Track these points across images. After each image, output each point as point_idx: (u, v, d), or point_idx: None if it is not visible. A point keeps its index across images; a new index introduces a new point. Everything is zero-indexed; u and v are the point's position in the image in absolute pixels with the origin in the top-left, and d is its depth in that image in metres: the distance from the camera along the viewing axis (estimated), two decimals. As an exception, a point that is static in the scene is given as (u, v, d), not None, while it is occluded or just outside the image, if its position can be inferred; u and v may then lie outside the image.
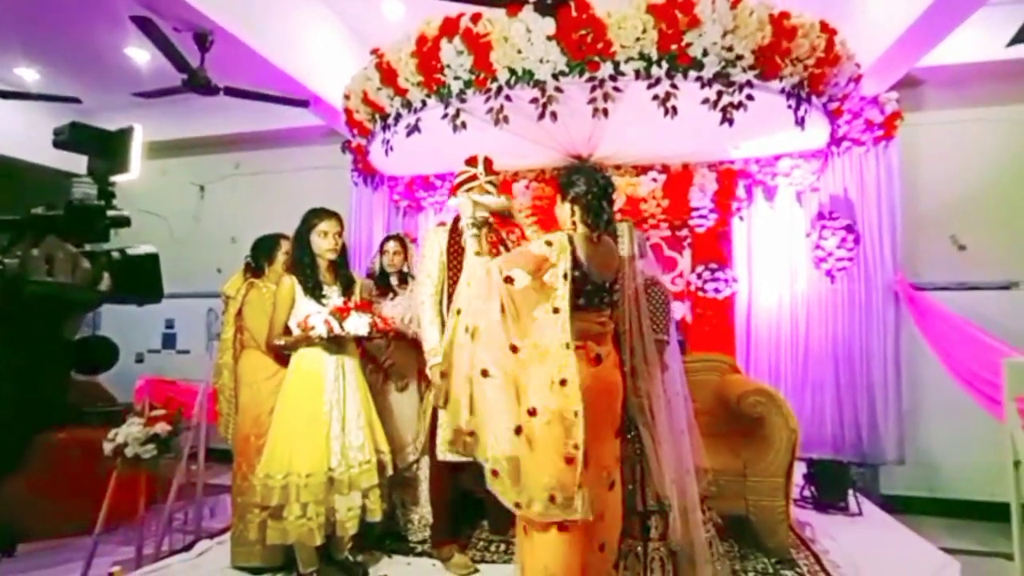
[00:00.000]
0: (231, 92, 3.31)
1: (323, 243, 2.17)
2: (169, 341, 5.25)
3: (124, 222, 0.98)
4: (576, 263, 1.61)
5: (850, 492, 3.06)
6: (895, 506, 3.29)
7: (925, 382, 3.56)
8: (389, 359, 2.53)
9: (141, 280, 0.93)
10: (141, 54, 3.81)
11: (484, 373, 1.56)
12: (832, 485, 3.08)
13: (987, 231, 3.63)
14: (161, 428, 2.55)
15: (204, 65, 3.18)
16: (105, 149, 1.04)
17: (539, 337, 1.55)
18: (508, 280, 1.58)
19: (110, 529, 2.75)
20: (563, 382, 1.51)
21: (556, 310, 1.54)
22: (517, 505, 1.52)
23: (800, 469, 2.99)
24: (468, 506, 2.53)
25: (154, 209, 5.03)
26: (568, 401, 1.50)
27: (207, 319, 4.99)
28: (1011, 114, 3.63)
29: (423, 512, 2.52)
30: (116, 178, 1.02)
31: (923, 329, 3.37)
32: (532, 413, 1.53)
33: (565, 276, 1.57)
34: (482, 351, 1.58)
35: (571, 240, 1.63)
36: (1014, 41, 2.50)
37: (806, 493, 3.13)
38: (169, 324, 5.25)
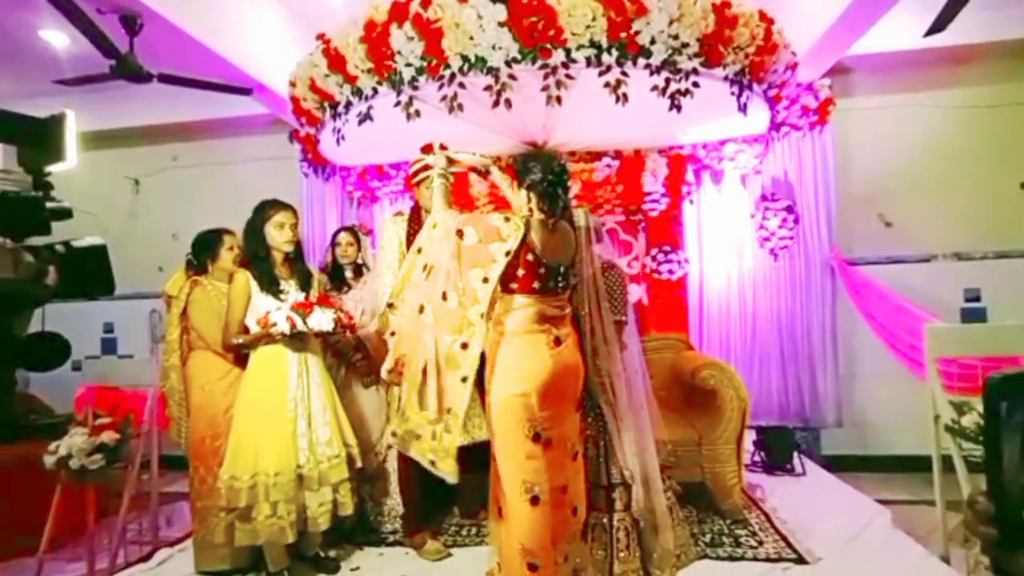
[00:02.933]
0: (166, 79, 3.10)
1: (279, 235, 2.11)
2: (109, 346, 4.93)
3: (65, 214, 0.93)
4: (529, 247, 1.66)
5: (795, 455, 3.30)
6: (835, 465, 3.56)
7: (859, 350, 3.85)
8: (361, 356, 2.47)
9: (90, 273, 0.89)
10: (59, 37, 3.49)
11: (420, 309, 1.72)
12: (779, 449, 3.31)
13: (910, 209, 3.93)
14: (108, 437, 2.40)
15: (134, 50, 2.96)
16: (36, 138, 0.97)
17: (461, 298, 1.67)
18: (459, 233, 1.68)
19: (57, 547, 2.59)
20: (464, 345, 1.66)
21: (486, 279, 1.63)
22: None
23: (750, 436, 3.19)
24: (438, 493, 2.55)
25: (84, 206, 4.58)
26: (464, 363, 1.65)
27: (150, 321, 4.71)
28: (932, 99, 3.92)
29: (392, 503, 2.52)
30: (53, 168, 0.96)
31: (856, 301, 3.64)
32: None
33: (507, 253, 1.63)
34: (427, 287, 1.72)
35: (528, 225, 1.67)
36: (930, 32, 2.70)
37: (756, 458, 3.35)
38: (108, 328, 4.93)
